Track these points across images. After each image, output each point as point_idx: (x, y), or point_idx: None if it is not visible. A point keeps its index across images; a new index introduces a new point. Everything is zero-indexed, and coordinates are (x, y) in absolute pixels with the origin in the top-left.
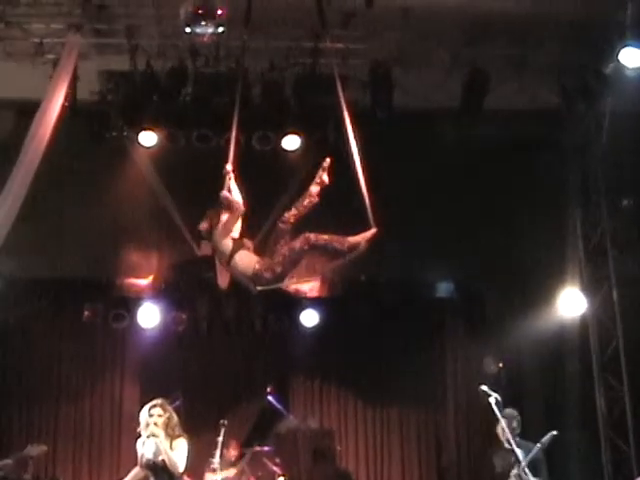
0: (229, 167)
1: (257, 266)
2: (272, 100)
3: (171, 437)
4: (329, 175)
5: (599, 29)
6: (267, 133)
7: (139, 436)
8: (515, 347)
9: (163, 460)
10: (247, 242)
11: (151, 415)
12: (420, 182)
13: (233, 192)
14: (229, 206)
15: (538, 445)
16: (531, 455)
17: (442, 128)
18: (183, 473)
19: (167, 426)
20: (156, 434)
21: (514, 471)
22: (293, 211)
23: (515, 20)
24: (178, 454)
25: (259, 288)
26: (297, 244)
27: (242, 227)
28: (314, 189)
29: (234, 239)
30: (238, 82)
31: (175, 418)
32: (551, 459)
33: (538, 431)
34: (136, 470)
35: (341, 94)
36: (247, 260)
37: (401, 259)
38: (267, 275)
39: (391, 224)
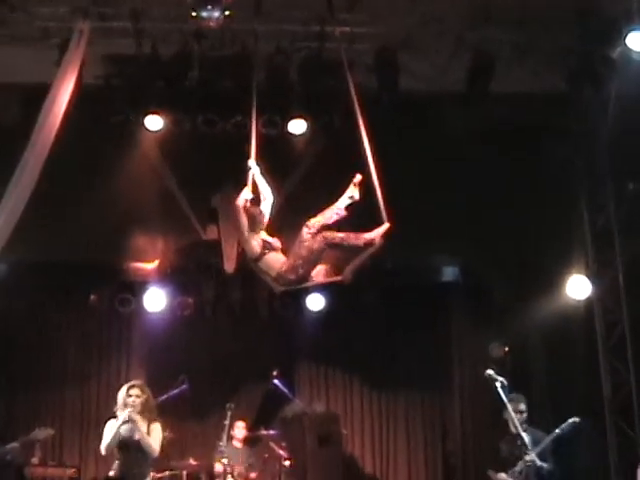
0: (251, 162)
1: (283, 268)
2: (278, 84)
3: (148, 420)
4: (334, 159)
5: (606, 13)
6: (273, 117)
7: (114, 416)
8: (521, 332)
9: (138, 440)
10: (276, 242)
11: (129, 395)
12: (426, 166)
13: (260, 185)
14: (253, 203)
15: (557, 431)
16: (549, 439)
17: (448, 112)
18: (159, 456)
19: (144, 407)
20: (134, 419)
21: (527, 457)
22: (319, 219)
23: (521, 3)
24: (154, 438)
25: (282, 288)
26: (315, 244)
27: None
28: (343, 203)
29: (264, 240)
30: (244, 66)
31: (152, 401)
32: (556, 443)
33: (543, 416)
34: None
35: (350, 79)
36: (273, 262)
37: (406, 243)
38: (291, 277)
39: (397, 209)
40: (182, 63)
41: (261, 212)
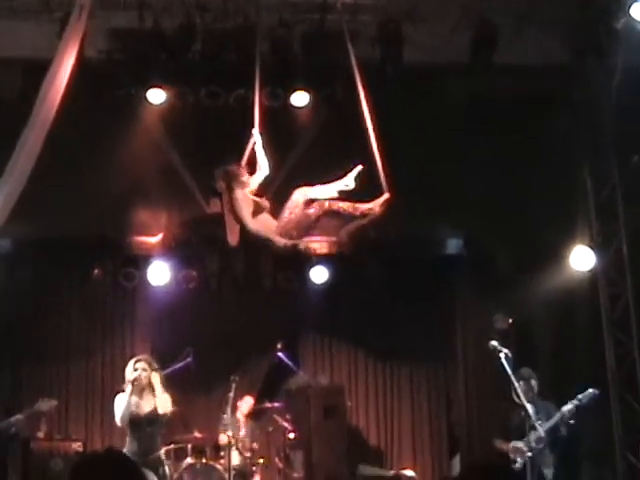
0: (255, 132)
1: (275, 229)
2: (281, 56)
3: (155, 392)
4: (336, 131)
5: None
6: (276, 89)
7: (122, 391)
8: (525, 303)
9: (147, 413)
10: (264, 202)
11: (136, 369)
12: (429, 138)
13: (259, 155)
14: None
15: (575, 401)
16: (566, 409)
17: (452, 83)
18: (168, 415)
19: (151, 381)
20: (142, 386)
21: (544, 427)
22: (312, 191)
23: None
24: (164, 401)
25: (283, 241)
26: (312, 210)
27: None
28: (337, 187)
29: (254, 201)
30: (247, 38)
31: (160, 374)
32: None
33: (548, 388)
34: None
35: (351, 51)
36: (268, 222)
37: (410, 216)
38: (285, 237)
39: (400, 180)
40: (185, 36)
41: (247, 175)
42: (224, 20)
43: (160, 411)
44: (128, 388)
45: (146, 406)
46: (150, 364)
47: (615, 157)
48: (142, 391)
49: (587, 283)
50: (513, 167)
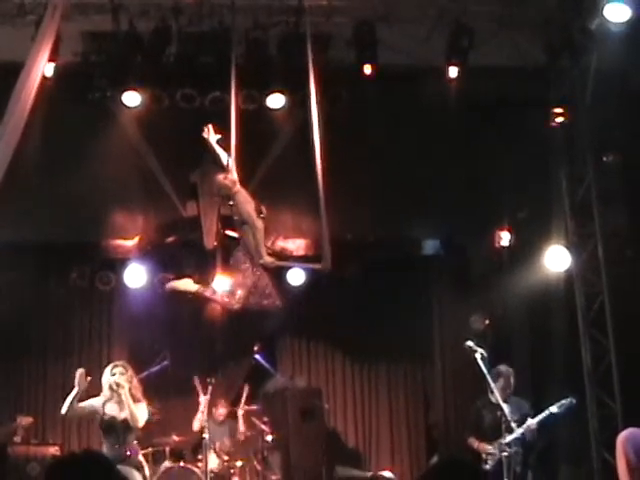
0: (209, 127)
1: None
2: (256, 59)
3: (133, 398)
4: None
5: None
6: (251, 92)
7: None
8: (501, 304)
9: (125, 419)
10: (263, 208)
11: (113, 374)
12: (405, 139)
13: (217, 151)
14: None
15: (554, 410)
16: (543, 416)
17: (428, 85)
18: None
19: (128, 387)
20: (122, 385)
21: (518, 430)
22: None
23: None
24: (140, 411)
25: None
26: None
27: None
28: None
29: (255, 201)
30: (222, 41)
31: (135, 380)
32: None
33: (525, 387)
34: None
35: (310, 54)
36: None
37: (387, 217)
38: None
39: (376, 182)
40: (160, 39)
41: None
42: (199, 23)
43: (137, 424)
44: (104, 393)
45: (122, 412)
46: (127, 370)
47: (590, 157)
48: (119, 396)
49: (563, 283)
50: (488, 168)
